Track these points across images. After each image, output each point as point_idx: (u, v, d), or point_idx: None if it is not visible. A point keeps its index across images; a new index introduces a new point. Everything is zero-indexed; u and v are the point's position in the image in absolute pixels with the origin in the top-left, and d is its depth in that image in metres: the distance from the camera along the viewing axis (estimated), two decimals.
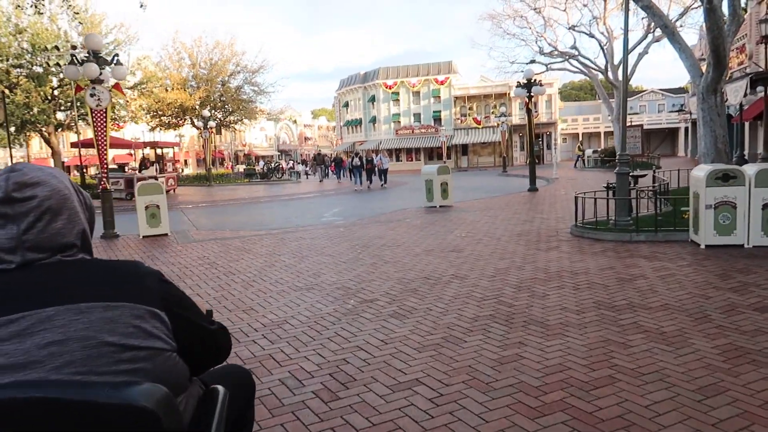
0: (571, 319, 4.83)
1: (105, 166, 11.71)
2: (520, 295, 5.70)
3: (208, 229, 13.67)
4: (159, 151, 27.66)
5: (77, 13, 18.67)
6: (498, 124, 39.71)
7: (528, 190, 19.18)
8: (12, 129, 25.07)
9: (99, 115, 11.44)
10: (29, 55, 24.23)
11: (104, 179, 11.71)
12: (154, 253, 9.57)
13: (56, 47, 22.69)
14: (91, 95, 11.28)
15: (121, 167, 25.71)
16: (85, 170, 27.41)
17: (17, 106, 23.45)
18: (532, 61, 32.70)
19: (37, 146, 46.37)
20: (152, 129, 35.26)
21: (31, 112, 24.15)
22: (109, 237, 11.56)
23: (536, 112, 50.89)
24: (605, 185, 11.01)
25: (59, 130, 26.89)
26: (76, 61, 11.30)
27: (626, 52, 10.35)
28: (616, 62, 30.03)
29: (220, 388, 1.59)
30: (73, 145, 25.30)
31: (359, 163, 27.99)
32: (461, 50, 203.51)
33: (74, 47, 13.75)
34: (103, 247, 10.42)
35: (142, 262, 1.41)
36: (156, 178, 23.42)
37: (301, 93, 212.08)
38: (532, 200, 16.10)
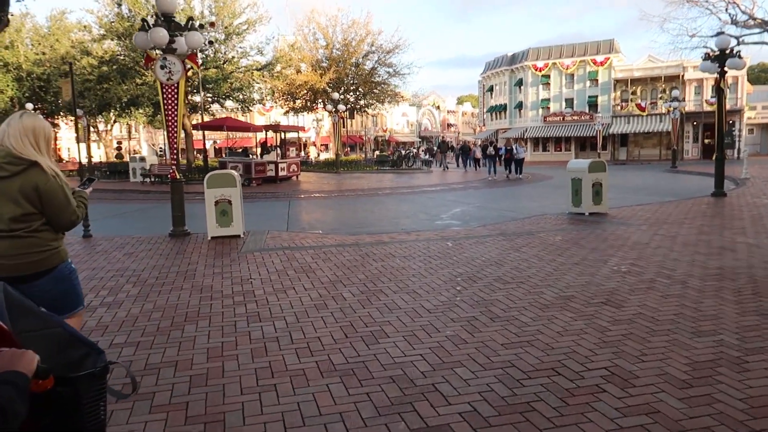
0: None
1: (174, 151, 9.91)
2: None
3: (298, 228, 11.55)
4: (284, 135, 26.62)
5: None
6: (668, 111, 33.66)
7: (712, 195, 14.71)
8: (150, 110, 25.35)
9: (170, 91, 9.65)
10: None
11: (173, 167, 9.92)
12: (189, 265, 7.47)
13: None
14: (162, 67, 9.51)
15: (245, 151, 25.04)
16: (207, 153, 27.18)
17: (150, 87, 23.47)
18: (720, 33, 26.61)
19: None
20: (285, 113, 34.69)
21: None
22: (178, 235, 9.81)
23: (716, 96, 43.23)
24: None
25: (193, 112, 26.85)
26: (146, 27, 9.57)
27: None
28: None
29: None
30: (194, 127, 25.04)
31: (493, 153, 26.43)
32: (624, 33, 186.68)
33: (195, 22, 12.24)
34: (150, 247, 8.61)
35: None
36: (276, 164, 22.24)
37: (448, 80, 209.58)
38: (723, 210, 11.87)
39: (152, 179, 23.18)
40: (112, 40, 24.62)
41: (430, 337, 4.48)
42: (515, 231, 9.67)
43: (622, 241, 8.36)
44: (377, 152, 42.64)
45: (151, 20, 9.67)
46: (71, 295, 3.01)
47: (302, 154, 60.71)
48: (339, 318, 5.03)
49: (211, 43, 22.82)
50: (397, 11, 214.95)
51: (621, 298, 5.39)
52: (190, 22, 9.75)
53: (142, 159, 24.15)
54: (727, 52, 14.51)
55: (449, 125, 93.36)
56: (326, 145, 63.22)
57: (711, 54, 14.79)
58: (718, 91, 14.74)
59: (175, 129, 9.77)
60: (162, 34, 9.23)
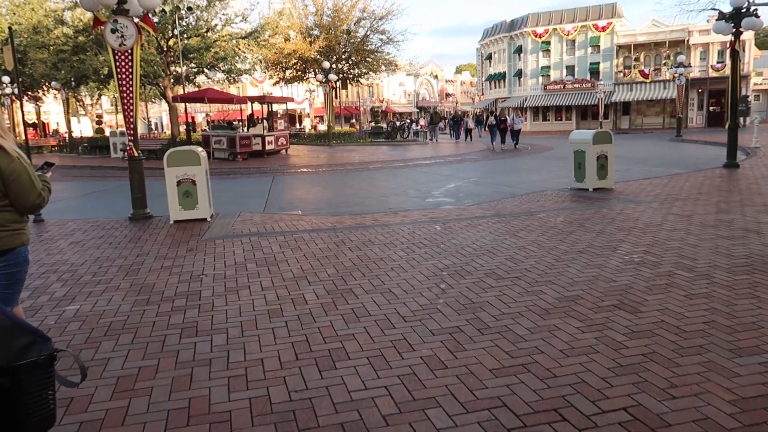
0: None
1: (131, 126, 8.87)
2: None
3: (277, 208, 10.60)
4: (271, 107, 25.39)
5: None
6: (674, 77, 32.32)
7: (724, 166, 13.73)
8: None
9: (123, 58, 8.57)
10: None
11: (131, 143, 8.90)
12: (138, 257, 6.53)
13: None
14: (112, 31, 8.42)
15: (230, 124, 23.85)
16: (192, 126, 25.98)
17: (145, 61, 22.18)
18: None
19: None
20: (275, 83, 33.33)
21: (149, 67, 22.78)
22: (138, 218, 8.85)
23: (722, 62, 41.89)
24: None
25: (176, 84, 25.60)
26: None
27: None
28: None
29: None
30: (173, 99, 23.80)
31: (494, 122, 26.52)
32: (625, 1, 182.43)
33: None
34: (102, 234, 7.65)
35: None
36: (263, 138, 21.16)
37: (447, 49, 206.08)
38: (738, 184, 10.90)
39: None
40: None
41: (401, 358, 3.57)
42: (512, 211, 8.72)
43: (632, 223, 7.41)
44: (372, 123, 41.37)
45: None
46: (17, 285, 2.97)
47: (297, 126, 59.48)
48: (294, 330, 4.11)
49: (189, 9, 21.51)
50: None
51: (636, 300, 4.46)
52: None
53: (123, 134, 23.00)
54: (743, 10, 13.33)
55: (448, 95, 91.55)
56: (321, 117, 61.82)
57: (723, 12, 13.60)
58: (733, 53, 13.58)
59: (131, 101, 8.71)
60: None
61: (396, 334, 3.97)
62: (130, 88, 8.65)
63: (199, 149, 8.90)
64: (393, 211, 9.42)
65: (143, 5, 8.58)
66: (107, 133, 31.43)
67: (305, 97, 56.88)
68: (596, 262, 5.57)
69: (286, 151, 24.02)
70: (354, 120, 55.78)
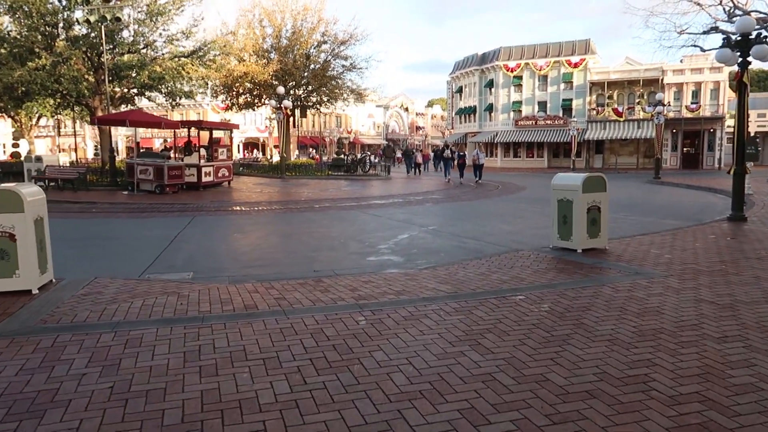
0: None
1: None
2: None
3: (165, 267, 7.93)
4: (227, 133, 22.70)
5: None
6: (652, 115, 30.76)
7: (729, 218, 11.53)
8: (50, 101, 21.23)
9: None
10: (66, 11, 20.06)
11: None
12: None
13: None
14: None
15: (164, 151, 20.93)
16: (115, 153, 23.03)
17: (47, 72, 19.36)
18: (714, 29, 23.85)
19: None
20: (226, 109, 30.69)
21: (71, 84, 19.94)
22: None
23: (696, 102, 40.94)
24: None
25: (112, 106, 22.73)
26: None
27: None
28: None
29: None
30: (91, 122, 20.93)
31: (450, 156, 27.10)
32: (595, 40, 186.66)
33: None
34: None
35: None
36: (199, 168, 18.44)
37: (420, 84, 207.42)
38: (763, 243, 8.59)
39: (45, 184, 19.08)
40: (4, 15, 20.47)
41: None
42: (476, 286, 6.16)
43: (653, 319, 4.91)
44: (333, 155, 38.93)
45: None
46: None
47: (260, 155, 56.65)
48: None
49: (118, 19, 18.86)
50: (368, 12, 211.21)
51: None
52: None
53: (39, 159, 19.98)
54: (752, 37, 11.32)
55: (418, 128, 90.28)
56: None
57: (731, 39, 11.59)
58: (740, 86, 11.50)
59: None
60: None
61: None
62: None
63: (29, 189, 6.15)
64: (316, 277, 6.83)
65: None
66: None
67: (266, 126, 54.29)
68: (621, 422, 2.98)
69: (229, 183, 21.25)
70: (312, 150, 53.24)
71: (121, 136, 60.96)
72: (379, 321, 4.93)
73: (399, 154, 48.24)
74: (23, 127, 37.96)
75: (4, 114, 31.68)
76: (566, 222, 8.28)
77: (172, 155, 19.88)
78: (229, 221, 12.95)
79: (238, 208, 15.33)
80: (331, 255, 8.87)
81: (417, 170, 33.22)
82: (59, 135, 41.16)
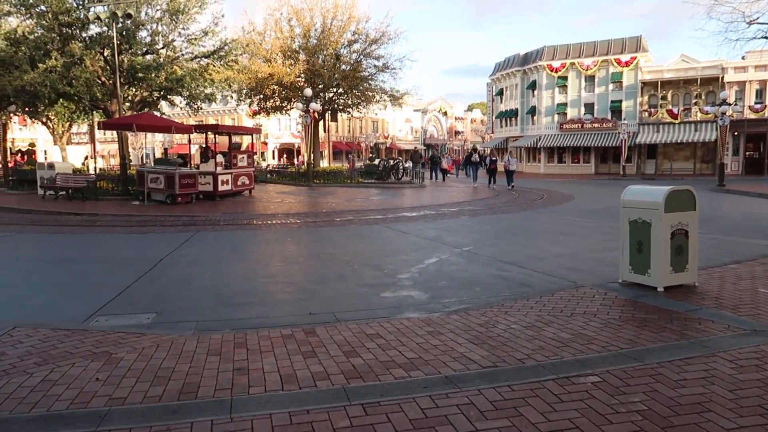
0: None
1: None
2: None
3: (126, 305, 6.36)
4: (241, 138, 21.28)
5: None
6: (715, 116, 27.98)
7: None
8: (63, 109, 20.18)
9: None
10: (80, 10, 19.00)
11: None
12: None
13: None
14: None
15: (182, 158, 19.67)
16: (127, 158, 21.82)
17: (59, 74, 18.32)
18: None
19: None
20: (254, 113, 29.38)
21: (82, 87, 18.88)
22: None
23: (762, 102, 37.62)
24: None
25: (132, 110, 21.64)
26: None
27: None
28: None
29: None
30: (98, 126, 19.78)
31: (477, 160, 27.15)
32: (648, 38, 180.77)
33: None
34: None
35: None
36: (215, 176, 17.02)
37: (461, 89, 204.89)
38: None
39: (55, 193, 17.98)
40: (21, 15, 19.63)
41: None
42: (525, 352, 4.27)
43: None
44: (367, 161, 37.29)
45: None
46: None
47: (295, 161, 55.58)
48: None
49: (129, 16, 17.66)
50: (410, 18, 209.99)
51: None
52: None
53: (51, 166, 18.97)
54: None
55: (457, 132, 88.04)
56: (322, 152, 58.00)
57: None
58: None
59: None
60: None
61: None
62: None
63: None
64: (309, 325, 5.12)
65: None
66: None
67: (298, 131, 53.16)
68: None
69: (250, 192, 19.78)
70: (348, 156, 51.75)
71: (157, 142, 60.98)
72: (372, 430, 3.12)
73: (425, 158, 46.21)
74: (54, 133, 37.66)
75: (33, 119, 31.24)
76: (641, 250, 6.29)
77: (188, 162, 18.54)
78: (231, 239, 11.33)
79: (248, 222, 13.73)
80: (337, 288, 7.10)
81: (443, 176, 32.23)
82: (93, 141, 40.77)
